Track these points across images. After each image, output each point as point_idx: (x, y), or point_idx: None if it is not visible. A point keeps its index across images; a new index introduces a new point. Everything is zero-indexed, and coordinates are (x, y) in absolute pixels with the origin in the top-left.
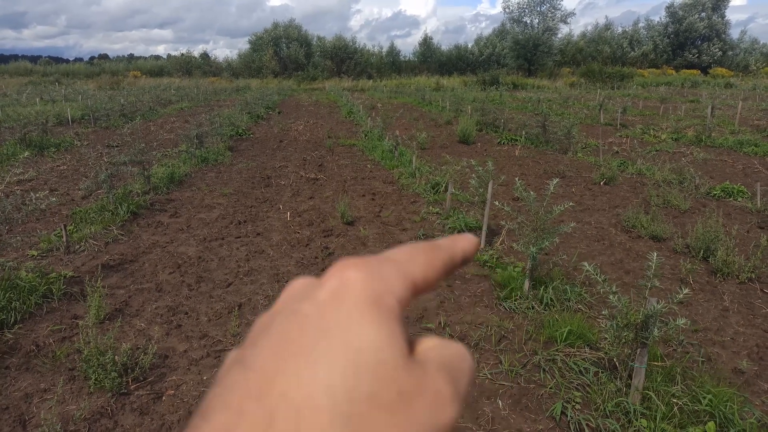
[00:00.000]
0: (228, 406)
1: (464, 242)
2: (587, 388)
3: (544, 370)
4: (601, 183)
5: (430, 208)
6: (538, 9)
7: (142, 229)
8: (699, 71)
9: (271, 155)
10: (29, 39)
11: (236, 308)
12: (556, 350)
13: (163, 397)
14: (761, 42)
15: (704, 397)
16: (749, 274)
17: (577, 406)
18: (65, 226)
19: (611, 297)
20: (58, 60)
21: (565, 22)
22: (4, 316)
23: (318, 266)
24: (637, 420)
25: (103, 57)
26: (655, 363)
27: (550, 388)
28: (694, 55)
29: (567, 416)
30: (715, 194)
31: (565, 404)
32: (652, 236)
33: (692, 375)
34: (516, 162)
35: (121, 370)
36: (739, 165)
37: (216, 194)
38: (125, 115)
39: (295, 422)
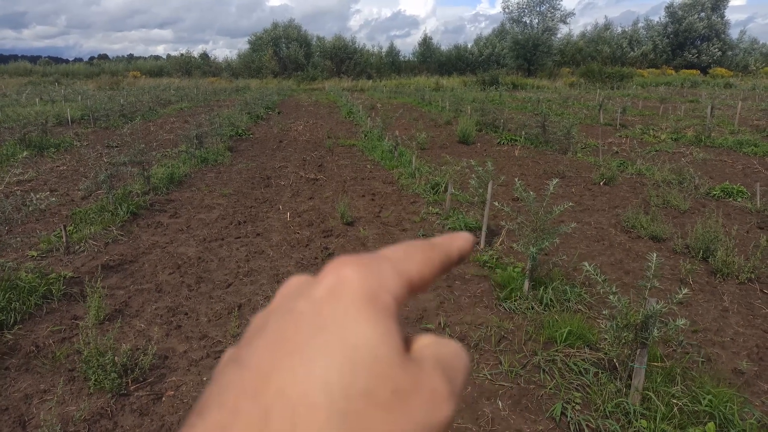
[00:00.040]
0: (223, 404)
1: (460, 240)
2: (587, 389)
3: (543, 370)
4: (601, 183)
5: (430, 208)
6: (538, 9)
7: (142, 230)
8: (698, 71)
9: (270, 155)
10: (29, 39)
11: (236, 309)
12: (556, 351)
13: (163, 398)
14: (761, 42)
15: (704, 398)
16: (749, 274)
17: (577, 407)
18: (65, 226)
19: (611, 297)
20: (57, 60)
21: (565, 22)
22: (4, 317)
23: (318, 267)
24: (637, 420)
25: (103, 57)
26: (655, 363)
27: (550, 388)
28: (693, 55)
29: (567, 417)
30: (715, 194)
31: (565, 405)
32: (651, 236)
33: (692, 375)
34: (516, 162)
35: (120, 371)
36: (738, 165)
37: (216, 195)
38: (125, 115)
39: (290, 420)
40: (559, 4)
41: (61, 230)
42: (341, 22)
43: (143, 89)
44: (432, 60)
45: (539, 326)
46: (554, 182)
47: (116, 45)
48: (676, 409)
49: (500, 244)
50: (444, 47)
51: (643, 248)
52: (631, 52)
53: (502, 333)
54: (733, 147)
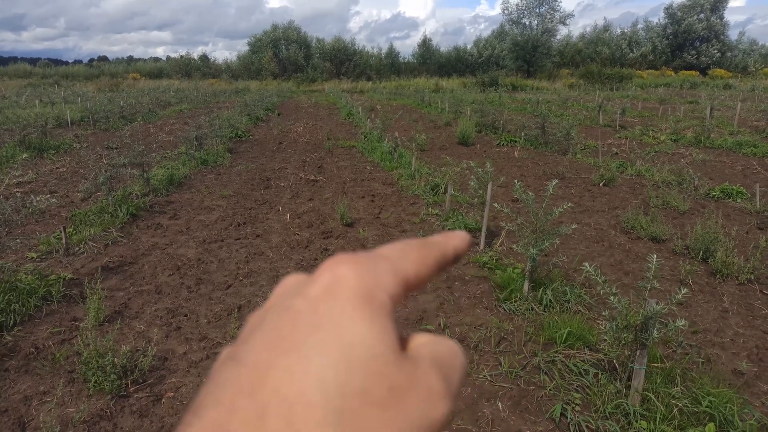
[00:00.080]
0: (220, 402)
1: (456, 239)
2: (587, 390)
3: (543, 371)
4: (601, 184)
5: (430, 209)
6: (537, 11)
7: (142, 231)
8: (698, 72)
9: (270, 157)
10: (28, 41)
11: (236, 310)
12: (556, 352)
13: (163, 400)
14: (760, 43)
15: (704, 399)
16: (748, 275)
17: (577, 408)
18: (64, 228)
19: (611, 298)
20: (57, 62)
21: (564, 24)
22: (4, 319)
23: (317, 268)
24: (636, 421)
25: (102, 59)
26: (655, 364)
27: (550, 389)
28: (692, 57)
29: (567, 418)
30: (715, 195)
31: (564, 406)
32: (651, 237)
33: (692, 376)
34: (515, 163)
35: (120, 373)
36: (738, 166)
37: (215, 196)
38: (124, 117)
39: (287, 417)
40: (558, 6)
41: (60, 232)
42: (341, 23)
43: (143, 91)
44: (431, 61)
45: (539, 327)
46: (554, 183)
47: (116, 47)
48: (676, 410)
49: (500, 245)
50: (443, 49)
51: (642, 249)
52: (631, 54)
53: (502, 334)
54: (733, 148)
